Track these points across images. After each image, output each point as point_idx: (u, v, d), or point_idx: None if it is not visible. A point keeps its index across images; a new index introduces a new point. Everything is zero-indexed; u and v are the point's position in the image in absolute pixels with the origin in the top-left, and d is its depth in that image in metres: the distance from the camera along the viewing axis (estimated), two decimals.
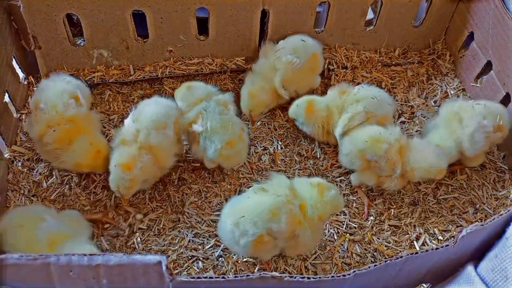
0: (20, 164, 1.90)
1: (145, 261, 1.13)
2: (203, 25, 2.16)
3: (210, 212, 1.86)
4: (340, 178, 2.01)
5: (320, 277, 1.17)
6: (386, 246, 1.82)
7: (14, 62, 2.01)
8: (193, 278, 1.15)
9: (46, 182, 1.87)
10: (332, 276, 1.17)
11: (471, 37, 2.29)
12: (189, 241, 1.77)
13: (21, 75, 2.09)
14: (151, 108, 1.76)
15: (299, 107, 2.03)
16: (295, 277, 1.16)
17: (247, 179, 1.97)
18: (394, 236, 1.85)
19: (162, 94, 2.19)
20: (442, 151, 1.84)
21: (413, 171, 1.81)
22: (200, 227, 1.81)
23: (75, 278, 1.15)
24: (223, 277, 1.15)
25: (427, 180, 1.90)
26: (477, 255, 1.27)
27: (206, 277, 1.15)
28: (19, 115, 2.02)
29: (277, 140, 2.11)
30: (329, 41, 2.32)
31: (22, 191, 1.84)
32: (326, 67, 2.31)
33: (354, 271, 1.17)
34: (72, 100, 1.75)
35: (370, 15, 2.34)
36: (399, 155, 1.81)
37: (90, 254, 1.14)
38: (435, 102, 2.31)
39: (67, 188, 1.87)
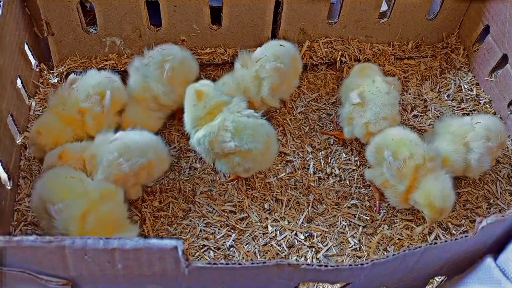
0: (31, 151, 1.89)
1: (161, 246, 1.12)
2: (216, 15, 2.14)
3: (222, 202, 1.85)
4: (353, 169, 2.00)
5: (337, 266, 1.15)
6: (398, 239, 1.81)
7: (26, 49, 2.00)
8: (209, 264, 1.14)
9: None
10: (350, 265, 1.16)
11: (486, 30, 2.26)
12: (200, 230, 1.76)
13: (33, 62, 2.09)
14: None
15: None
16: (312, 265, 1.15)
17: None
18: (406, 229, 1.84)
19: None
20: (452, 193, 1.71)
21: (414, 196, 1.72)
22: (211, 217, 1.80)
23: (90, 262, 1.14)
24: (239, 264, 1.14)
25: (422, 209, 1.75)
26: (496, 247, 1.26)
27: (222, 263, 1.14)
28: (31, 101, 2.02)
29: (289, 132, 2.10)
30: (342, 33, 2.30)
31: (34, 178, 1.84)
32: (338, 59, 2.29)
33: (372, 260, 1.16)
34: (97, 96, 1.78)
35: (384, 7, 2.32)
36: (414, 172, 1.70)
37: (106, 238, 1.13)
38: (448, 96, 2.29)
39: None
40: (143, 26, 2.08)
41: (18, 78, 1.90)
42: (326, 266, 1.15)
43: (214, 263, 1.14)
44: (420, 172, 1.71)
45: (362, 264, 1.16)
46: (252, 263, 1.14)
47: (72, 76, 1.85)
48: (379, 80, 1.96)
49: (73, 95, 1.78)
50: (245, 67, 2.00)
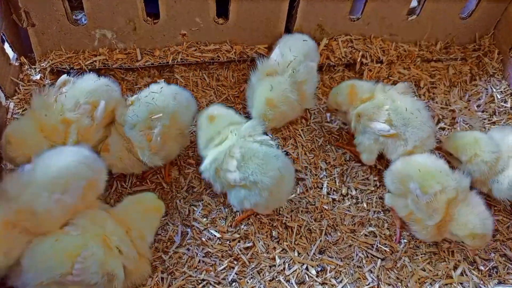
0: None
1: None
2: (222, 7, 1.87)
3: (224, 228, 1.64)
4: (371, 190, 1.78)
5: None
6: (419, 276, 1.61)
7: (4, 41, 1.74)
8: None
9: None
10: None
11: None
12: (199, 261, 1.56)
13: (11, 55, 1.83)
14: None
15: (341, 93, 1.76)
16: None
17: None
18: (429, 264, 1.64)
19: (173, 83, 1.93)
20: (489, 214, 1.54)
21: (451, 229, 1.54)
22: (211, 245, 1.60)
23: None
24: None
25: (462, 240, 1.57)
26: None
27: None
28: (8, 102, 1.77)
29: (302, 145, 1.87)
30: (364, 31, 2.04)
31: None
32: (359, 60, 2.03)
33: None
34: (87, 106, 1.52)
35: (413, 3, 2.04)
36: (447, 207, 1.51)
37: None
38: (478, 106, 2.05)
39: None
40: (138, 17, 1.81)
41: None
42: None
43: None
44: (453, 205, 1.52)
45: None
46: None
47: (63, 77, 1.58)
48: (396, 96, 1.70)
49: (60, 101, 1.51)
50: (271, 75, 1.75)
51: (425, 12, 2.02)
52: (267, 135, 1.58)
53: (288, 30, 1.98)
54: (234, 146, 1.46)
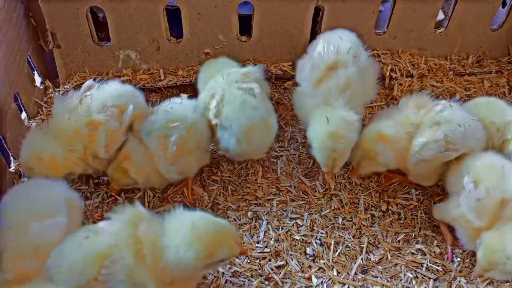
0: (26, 181, 1.59)
1: None
2: (245, 24, 1.86)
3: (252, 245, 1.48)
4: (414, 205, 1.61)
5: None
6: None
7: (30, 63, 1.75)
8: None
9: None
10: None
11: None
12: (226, 281, 1.39)
13: (38, 79, 1.83)
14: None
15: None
16: None
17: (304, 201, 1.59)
18: (490, 285, 1.42)
19: None
20: None
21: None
22: (239, 264, 1.43)
23: None
24: None
25: None
26: None
27: None
28: (31, 122, 1.74)
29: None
30: (391, 45, 1.98)
31: None
32: (388, 74, 1.95)
33: None
34: (115, 109, 1.47)
35: (440, 15, 1.99)
36: (499, 209, 1.35)
37: None
38: None
39: None
40: (162, 37, 1.81)
41: (17, 96, 1.64)
42: None
43: None
44: (506, 211, 1.33)
45: None
46: None
47: (89, 81, 1.55)
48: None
49: (85, 104, 1.46)
50: (334, 69, 1.53)
51: (453, 24, 1.96)
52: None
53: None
54: (217, 88, 1.51)
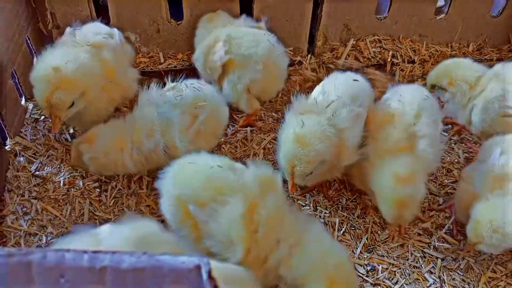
0: (22, 160, 1.55)
1: (176, 265, 0.73)
2: (247, 7, 1.85)
3: None
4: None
5: None
6: (488, 277, 1.35)
7: (30, 47, 1.73)
8: None
9: (52, 183, 1.51)
10: None
11: None
12: None
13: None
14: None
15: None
16: None
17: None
18: (500, 265, 1.38)
19: None
20: None
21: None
22: None
23: (68, 287, 0.75)
24: None
25: None
26: None
27: None
28: (28, 103, 1.71)
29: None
30: (392, 31, 1.97)
31: (22, 192, 1.48)
32: (389, 60, 1.95)
33: None
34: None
35: (440, 2, 1.99)
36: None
37: (93, 252, 0.75)
38: None
39: (74, 190, 1.50)
40: (162, 18, 1.79)
41: (14, 74, 1.61)
42: None
43: None
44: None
45: None
46: None
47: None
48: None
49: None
50: (306, 115, 1.35)
51: (454, 10, 1.95)
52: None
53: (312, 32, 1.93)
54: (222, 31, 1.56)
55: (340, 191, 1.55)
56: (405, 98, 1.43)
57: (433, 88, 1.68)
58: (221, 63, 1.56)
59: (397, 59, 1.95)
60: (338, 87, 1.41)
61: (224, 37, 1.55)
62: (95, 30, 1.56)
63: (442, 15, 1.98)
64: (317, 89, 1.47)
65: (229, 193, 1.11)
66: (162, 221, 1.28)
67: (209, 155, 1.25)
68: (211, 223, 1.12)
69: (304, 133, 1.26)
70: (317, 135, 1.26)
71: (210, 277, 0.72)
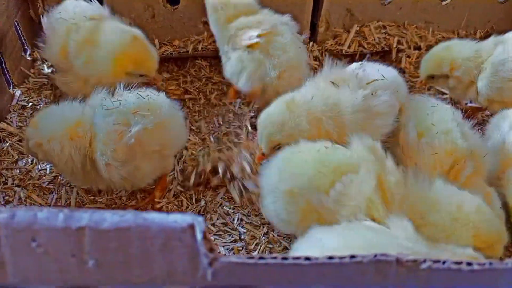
0: (6, 146, 1.46)
1: (166, 224, 0.63)
2: None
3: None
4: None
5: (491, 263, 0.63)
6: None
7: (19, 34, 1.66)
8: (252, 259, 0.63)
9: (37, 170, 1.41)
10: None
11: None
12: None
13: (27, 51, 1.73)
14: None
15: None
16: (444, 262, 0.62)
17: None
18: None
19: (190, 78, 1.79)
20: None
21: None
22: None
23: (40, 253, 0.64)
24: (307, 259, 0.63)
25: None
26: None
27: (275, 257, 0.63)
28: (15, 90, 1.62)
29: None
30: (397, 17, 1.90)
31: (3, 179, 1.38)
32: (395, 46, 1.87)
33: None
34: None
35: None
36: None
37: (70, 210, 0.65)
38: None
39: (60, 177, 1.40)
40: (158, 3, 1.72)
41: (0, 59, 1.53)
42: (470, 264, 0.62)
43: (261, 257, 0.63)
44: None
45: None
46: (330, 258, 0.63)
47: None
48: None
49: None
50: (337, 85, 1.27)
51: None
52: None
53: (316, 16, 1.86)
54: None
55: None
56: None
57: (428, 79, 1.60)
58: (246, 43, 1.47)
59: (403, 45, 1.88)
60: (381, 71, 1.32)
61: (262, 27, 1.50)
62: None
63: (448, 1, 1.91)
64: (355, 65, 1.37)
65: (351, 170, 1.03)
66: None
67: (305, 141, 1.15)
68: (341, 209, 1.02)
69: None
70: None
71: (205, 237, 0.62)
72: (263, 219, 1.30)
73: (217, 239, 1.27)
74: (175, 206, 1.37)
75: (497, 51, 1.48)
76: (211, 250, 0.62)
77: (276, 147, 1.21)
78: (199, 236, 0.62)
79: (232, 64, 1.52)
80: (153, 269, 0.65)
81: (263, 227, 1.30)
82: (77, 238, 0.63)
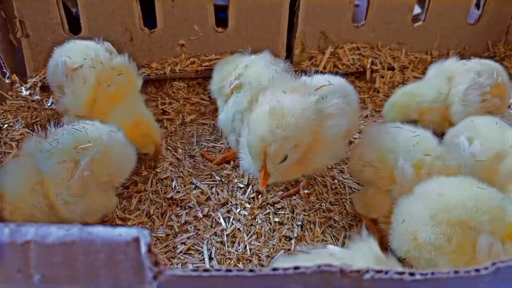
0: None
1: (111, 238, 0.63)
2: (222, 15, 1.83)
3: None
4: None
5: (433, 273, 0.63)
6: None
7: None
8: (197, 271, 0.63)
9: None
10: (456, 272, 0.64)
11: None
12: None
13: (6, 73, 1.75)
14: None
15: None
16: (386, 272, 0.63)
17: None
18: None
19: (169, 100, 1.81)
20: None
21: None
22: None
23: None
24: (251, 270, 0.63)
25: None
26: None
27: (219, 270, 0.63)
28: None
29: None
30: (370, 38, 1.95)
31: None
32: (369, 67, 1.92)
33: (495, 263, 0.64)
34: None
35: (417, 10, 2.00)
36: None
37: (17, 225, 0.65)
38: (509, 106, 1.85)
39: None
40: (135, 26, 1.76)
41: None
42: (412, 274, 0.63)
43: (206, 270, 0.63)
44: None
45: (477, 271, 0.64)
46: (275, 270, 0.63)
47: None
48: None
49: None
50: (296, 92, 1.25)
51: (430, 17, 1.95)
52: None
53: (290, 39, 1.91)
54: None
55: (321, 195, 1.47)
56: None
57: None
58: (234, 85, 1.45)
59: (377, 66, 1.93)
60: (329, 79, 1.34)
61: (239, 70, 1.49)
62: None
63: (420, 23, 1.97)
64: (305, 77, 1.36)
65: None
66: None
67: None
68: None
69: (282, 106, 1.14)
70: (297, 112, 1.14)
71: (149, 250, 0.62)
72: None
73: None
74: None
75: (456, 82, 1.54)
76: (156, 263, 0.63)
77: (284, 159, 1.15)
78: (143, 249, 0.62)
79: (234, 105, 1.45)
80: (98, 284, 0.65)
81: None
82: (23, 253, 0.63)
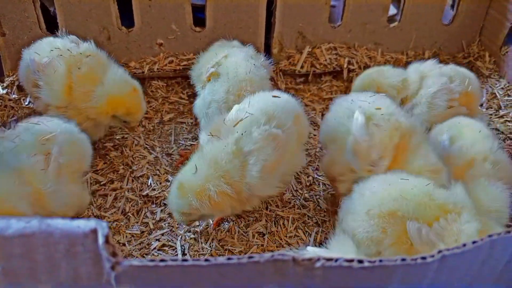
0: None
1: (70, 230, 0.65)
2: (200, 15, 1.85)
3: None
4: None
5: (381, 261, 0.66)
6: None
7: None
8: (153, 261, 0.65)
9: None
10: (403, 259, 0.66)
11: None
12: None
13: None
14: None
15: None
16: (337, 260, 0.65)
17: None
18: None
19: (147, 99, 1.82)
20: None
21: None
22: None
23: None
24: (206, 260, 0.65)
25: None
26: None
27: (175, 260, 0.65)
28: None
29: None
30: (347, 39, 1.99)
31: None
32: (345, 66, 1.95)
33: (441, 251, 0.67)
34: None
35: (392, 11, 2.04)
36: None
37: None
38: (481, 105, 1.90)
39: None
40: (112, 25, 1.77)
41: None
42: (361, 262, 0.65)
43: (162, 260, 0.65)
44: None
45: (424, 258, 0.67)
46: (229, 259, 0.65)
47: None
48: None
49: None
50: (216, 136, 1.22)
51: (405, 18, 1.99)
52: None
53: (268, 39, 1.94)
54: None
55: (296, 191, 1.50)
56: None
57: None
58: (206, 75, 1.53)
59: (353, 65, 1.96)
60: (253, 104, 1.24)
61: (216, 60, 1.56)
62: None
63: (395, 23, 2.01)
64: (235, 107, 1.27)
65: (455, 211, 1.04)
66: None
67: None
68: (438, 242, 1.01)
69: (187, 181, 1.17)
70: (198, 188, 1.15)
71: (107, 241, 0.64)
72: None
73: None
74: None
75: (427, 84, 1.57)
76: (114, 254, 0.64)
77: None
78: (101, 240, 0.64)
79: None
80: (58, 275, 0.66)
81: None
82: None
